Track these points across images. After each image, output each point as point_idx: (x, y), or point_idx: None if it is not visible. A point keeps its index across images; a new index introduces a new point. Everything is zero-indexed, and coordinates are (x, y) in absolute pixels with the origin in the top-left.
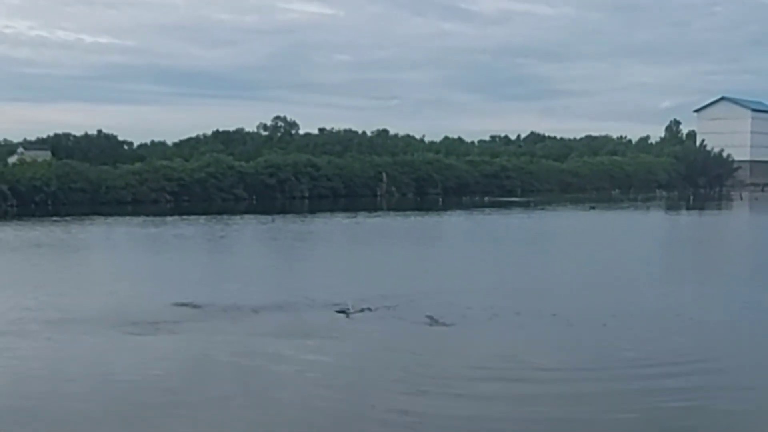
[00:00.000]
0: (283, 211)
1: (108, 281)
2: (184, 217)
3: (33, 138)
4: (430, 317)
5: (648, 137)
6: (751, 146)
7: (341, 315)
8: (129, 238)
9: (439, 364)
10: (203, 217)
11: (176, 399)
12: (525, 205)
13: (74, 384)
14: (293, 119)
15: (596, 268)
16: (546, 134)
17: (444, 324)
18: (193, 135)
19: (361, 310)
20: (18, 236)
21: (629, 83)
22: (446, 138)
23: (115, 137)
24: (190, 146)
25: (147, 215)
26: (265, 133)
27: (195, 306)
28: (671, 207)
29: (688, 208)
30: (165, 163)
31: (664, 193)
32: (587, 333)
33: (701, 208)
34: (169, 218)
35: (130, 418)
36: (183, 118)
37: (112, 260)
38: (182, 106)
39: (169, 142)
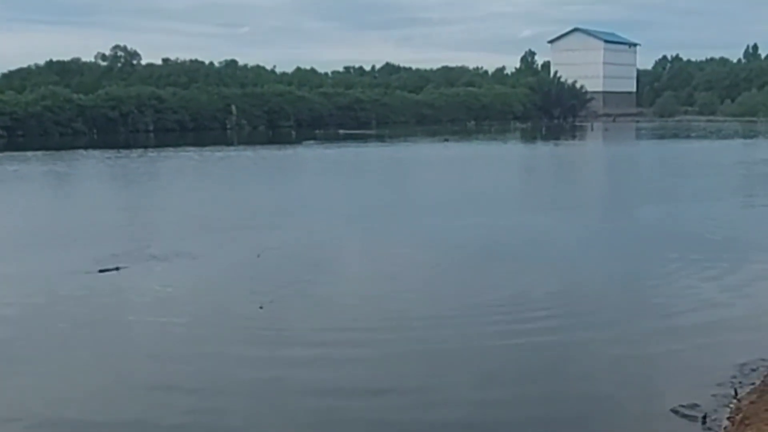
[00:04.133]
0: (127, 146)
1: None
2: (27, 153)
3: None
4: (259, 255)
5: (504, 68)
6: (604, 77)
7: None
8: None
9: (288, 313)
10: (40, 153)
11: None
12: (379, 138)
13: None
14: (134, 48)
15: (448, 199)
16: (402, 65)
17: (287, 259)
18: (24, 65)
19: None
20: None
21: (489, 12)
22: (298, 69)
23: None
24: (20, 77)
25: None
26: (104, 64)
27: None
28: (524, 138)
29: (541, 139)
30: None
31: (519, 125)
32: (443, 266)
33: (555, 139)
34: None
35: None
36: (11, 47)
37: None
38: (11, 33)
39: None
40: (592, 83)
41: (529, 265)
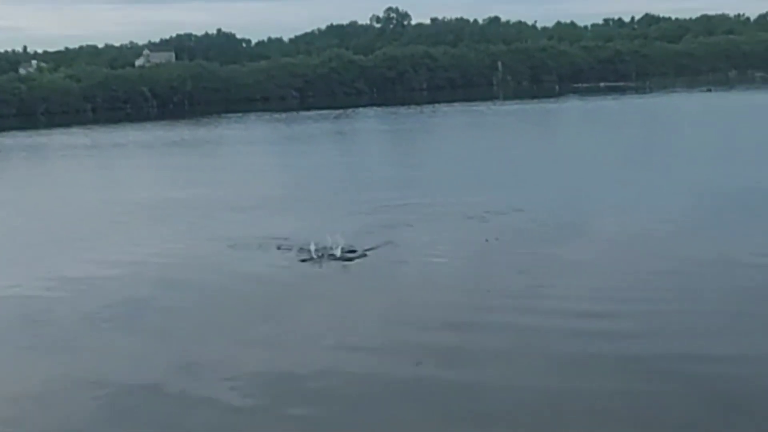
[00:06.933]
0: (404, 103)
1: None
2: (362, 109)
3: (157, 39)
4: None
5: (767, 14)
6: None
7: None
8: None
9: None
10: (333, 111)
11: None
12: (640, 90)
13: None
14: (405, 10)
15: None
16: (660, 15)
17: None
18: (308, 30)
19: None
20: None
21: None
22: (558, 23)
23: (233, 35)
24: (305, 41)
25: (279, 111)
26: (377, 26)
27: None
28: None
29: None
30: (289, 60)
31: None
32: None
33: None
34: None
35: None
36: (297, 13)
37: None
38: (296, 0)
39: (285, 39)
40: None
41: None
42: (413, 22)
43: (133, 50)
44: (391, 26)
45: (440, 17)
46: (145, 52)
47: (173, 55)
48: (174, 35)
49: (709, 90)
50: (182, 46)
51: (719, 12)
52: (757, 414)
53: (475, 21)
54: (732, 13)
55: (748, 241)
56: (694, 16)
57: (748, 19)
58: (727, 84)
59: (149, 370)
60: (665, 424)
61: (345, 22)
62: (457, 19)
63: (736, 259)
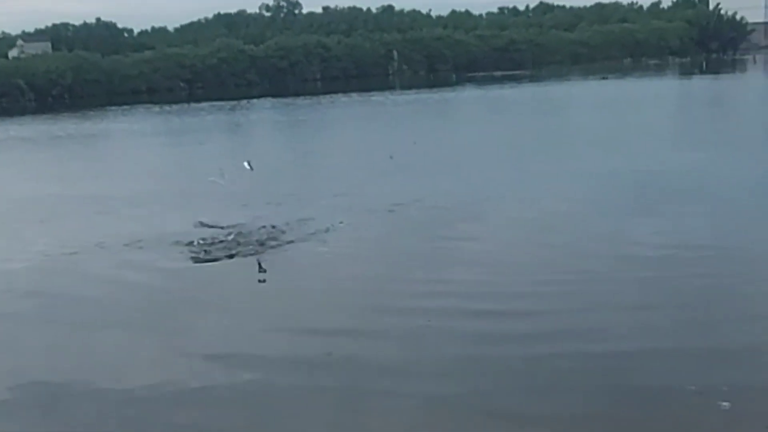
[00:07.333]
0: (298, 93)
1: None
2: (255, 102)
3: (31, 29)
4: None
5: (660, 2)
6: (766, 7)
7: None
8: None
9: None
10: (224, 103)
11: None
12: (535, 78)
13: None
14: None
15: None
16: (555, 3)
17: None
18: (195, 19)
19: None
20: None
21: None
22: (453, 12)
23: (114, 25)
24: (192, 31)
25: (168, 103)
26: (267, 14)
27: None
28: (684, 73)
29: (701, 73)
30: (176, 50)
31: (677, 60)
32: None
33: (715, 73)
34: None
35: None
36: (181, 1)
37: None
38: None
39: (171, 28)
40: (753, 14)
41: (691, 208)
42: (304, 11)
43: (5, 41)
44: (282, 15)
45: (332, 6)
46: (19, 42)
47: (50, 45)
48: (50, 25)
49: (605, 78)
50: (59, 36)
51: (613, 0)
52: (669, 406)
53: (369, 10)
54: (625, 2)
55: (646, 230)
56: (588, 4)
57: (641, 7)
58: (622, 72)
59: None
60: (572, 421)
61: (233, 10)
62: (349, 7)
63: (635, 251)
